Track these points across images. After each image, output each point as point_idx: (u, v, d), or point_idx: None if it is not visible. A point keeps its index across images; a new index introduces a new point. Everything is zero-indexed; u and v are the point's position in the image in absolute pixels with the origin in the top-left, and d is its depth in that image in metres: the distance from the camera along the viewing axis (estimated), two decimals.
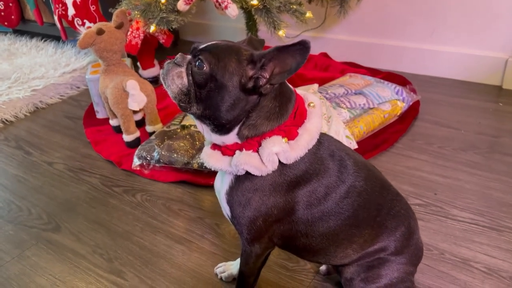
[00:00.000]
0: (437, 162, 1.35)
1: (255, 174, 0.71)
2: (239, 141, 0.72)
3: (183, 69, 0.72)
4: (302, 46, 0.65)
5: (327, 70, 2.02)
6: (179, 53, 0.74)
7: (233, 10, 1.22)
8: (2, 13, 2.66)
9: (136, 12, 1.35)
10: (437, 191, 1.22)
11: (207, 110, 0.71)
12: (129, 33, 1.44)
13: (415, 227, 0.84)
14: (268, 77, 0.68)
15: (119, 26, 1.52)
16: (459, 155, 1.38)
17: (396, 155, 1.41)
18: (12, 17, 2.66)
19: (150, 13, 1.33)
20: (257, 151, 0.71)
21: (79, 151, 1.59)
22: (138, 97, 1.47)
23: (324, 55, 2.19)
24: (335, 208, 0.75)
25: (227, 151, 0.73)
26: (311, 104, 0.76)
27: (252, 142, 0.71)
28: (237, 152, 0.72)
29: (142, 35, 1.44)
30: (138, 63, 2.04)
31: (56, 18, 2.24)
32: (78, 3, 2.11)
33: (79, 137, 1.68)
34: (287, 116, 0.72)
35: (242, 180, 0.74)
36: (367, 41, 2.12)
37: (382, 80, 1.70)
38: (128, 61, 1.88)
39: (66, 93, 2.07)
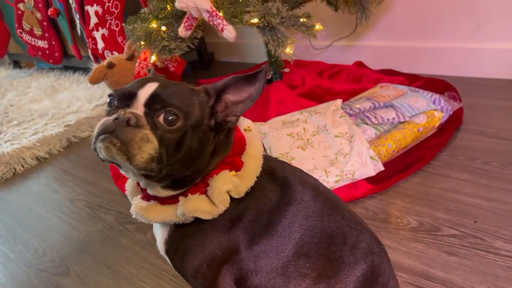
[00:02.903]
0: (480, 181, 1.15)
1: (207, 219, 0.62)
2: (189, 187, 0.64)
3: (147, 130, 0.58)
4: (259, 73, 0.59)
5: (359, 81, 1.86)
6: (129, 111, 0.58)
7: (230, 32, 1.14)
8: (47, 51, 2.80)
9: (141, 42, 1.31)
10: (478, 218, 1.04)
11: (182, 168, 0.60)
12: (137, 64, 1.40)
13: (383, 269, 0.69)
14: (226, 108, 0.61)
15: (130, 58, 1.50)
16: (508, 171, 1.17)
17: (431, 175, 1.23)
18: (56, 54, 2.79)
19: (152, 42, 1.28)
20: (205, 193, 0.62)
21: (101, 185, 1.58)
22: None
23: (359, 64, 2.04)
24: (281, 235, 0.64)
25: (168, 200, 0.64)
26: (247, 128, 0.67)
27: (199, 183, 0.63)
28: (182, 198, 0.62)
29: (150, 65, 1.40)
30: None
31: (89, 52, 2.30)
32: (106, 36, 2.15)
33: (104, 170, 1.67)
34: (230, 145, 0.64)
35: (181, 225, 0.64)
36: (404, 45, 1.93)
37: (417, 89, 1.52)
38: None
39: None
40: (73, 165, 1.79)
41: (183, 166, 0.60)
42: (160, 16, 1.34)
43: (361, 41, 2.07)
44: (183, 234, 0.65)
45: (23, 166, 1.84)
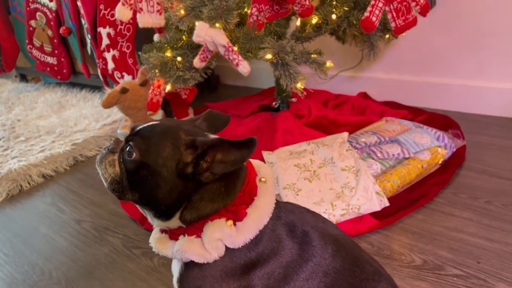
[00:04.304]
0: (483, 221, 1.18)
1: (200, 262, 0.65)
2: (183, 225, 0.67)
3: (116, 157, 0.69)
4: (249, 141, 0.61)
5: (364, 113, 1.90)
6: (115, 138, 0.72)
7: (244, 67, 1.18)
8: (55, 68, 2.84)
9: (155, 71, 1.34)
10: (481, 258, 1.06)
11: (143, 198, 0.67)
12: (150, 91, 1.44)
13: None
14: (208, 164, 0.64)
15: (143, 83, 1.54)
16: (510, 212, 1.20)
17: (435, 213, 1.26)
18: (64, 71, 2.83)
19: (167, 72, 1.32)
20: (201, 237, 0.65)
21: (108, 207, 1.59)
22: None
23: (363, 95, 2.08)
24: None
25: (173, 235, 0.69)
26: (262, 179, 0.70)
27: (197, 226, 0.66)
28: (181, 237, 0.67)
29: (163, 93, 1.44)
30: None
31: (99, 71, 2.33)
32: (117, 57, 2.19)
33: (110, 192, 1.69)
34: (234, 194, 0.66)
35: (191, 266, 0.67)
36: (408, 79, 1.98)
37: (421, 125, 1.56)
38: (160, 112, 1.90)
39: (104, 144, 2.10)
40: (79, 185, 1.81)
41: (144, 197, 0.67)
42: (175, 46, 1.38)
43: (366, 73, 2.12)
44: (193, 275, 0.67)
45: (29, 183, 1.86)
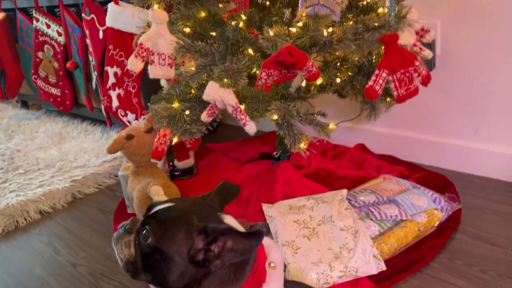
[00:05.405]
0: None
1: None
2: None
3: (132, 238, 0.72)
4: (257, 234, 0.64)
5: (362, 166, 1.94)
6: (131, 218, 0.74)
7: (251, 128, 1.22)
8: (58, 99, 2.87)
9: (162, 121, 1.38)
10: None
11: (156, 279, 0.70)
12: (156, 139, 1.47)
13: None
14: (219, 251, 0.66)
15: (148, 131, 1.57)
16: (504, 283, 1.22)
17: (430, 278, 1.27)
18: (67, 102, 2.86)
19: (174, 124, 1.35)
20: None
21: (105, 251, 1.59)
22: None
23: (361, 147, 2.12)
24: None
25: None
26: (272, 265, 0.73)
27: None
28: None
29: (168, 142, 1.47)
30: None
31: (102, 108, 2.37)
32: (122, 96, 2.24)
33: (108, 235, 1.69)
34: (243, 280, 0.69)
35: None
36: (406, 135, 2.03)
37: (419, 186, 1.60)
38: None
39: (104, 182, 2.13)
40: (76, 224, 1.81)
41: (157, 278, 0.70)
42: (184, 99, 1.42)
43: (365, 125, 2.17)
44: None
45: (25, 220, 1.85)
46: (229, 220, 0.70)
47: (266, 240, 0.76)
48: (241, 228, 0.68)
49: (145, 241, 0.68)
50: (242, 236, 0.64)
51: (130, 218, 0.75)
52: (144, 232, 0.68)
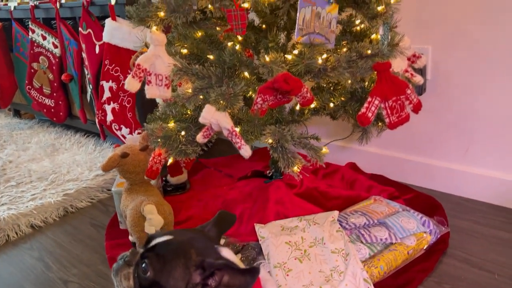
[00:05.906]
0: None
1: None
2: None
3: (131, 270, 0.73)
4: (253, 270, 0.66)
5: (353, 186, 1.97)
6: (131, 249, 0.76)
7: (246, 151, 1.24)
8: (52, 110, 2.87)
9: (158, 141, 1.39)
10: None
11: None
12: (151, 158, 1.48)
13: None
14: (215, 285, 0.68)
15: (143, 149, 1.58)
16: None
17: None
18: (61, 113, 2.86)
19: (169, 144, 1.37)
20: None
21: (96, 268, 1.59)
22: (154, 221, 1.47)
23: (352, 166, 2.15)
24: None
25: None
26: None
27: None
28: None
29: (163, 161, 1.48)
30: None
31: (96, 121, 2.38)
32: (117, 110, 2.25)
33: (100, 250, 1.70)
34: None
35: None
36: (397, 156, 2.07)
37: (408, 208, 1.63)
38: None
39: (96, 196, 2.13)
40: (68, 239, 1.81)
41: None
42: (180, 119, 1.44)
43: (355, 145, 2.19)
44: None
45: (16, 234, 1.85)
46: (226, 253, 0.72)
47: (262, 273, 0.77)
48: (238, 262, 0.70)
49: (144, 274, 0.69)
50: (239, 272, 0.66)
51: (130, 250, 0.76)
52: (143, 265, 0.70)
